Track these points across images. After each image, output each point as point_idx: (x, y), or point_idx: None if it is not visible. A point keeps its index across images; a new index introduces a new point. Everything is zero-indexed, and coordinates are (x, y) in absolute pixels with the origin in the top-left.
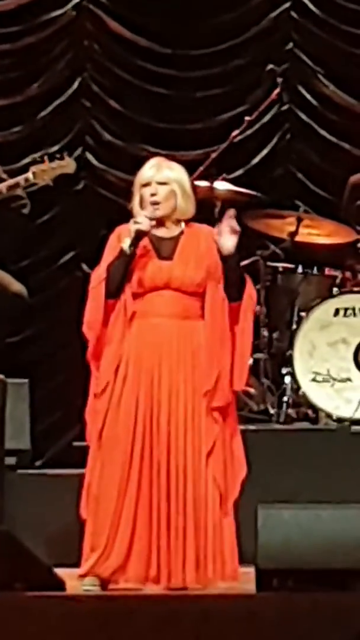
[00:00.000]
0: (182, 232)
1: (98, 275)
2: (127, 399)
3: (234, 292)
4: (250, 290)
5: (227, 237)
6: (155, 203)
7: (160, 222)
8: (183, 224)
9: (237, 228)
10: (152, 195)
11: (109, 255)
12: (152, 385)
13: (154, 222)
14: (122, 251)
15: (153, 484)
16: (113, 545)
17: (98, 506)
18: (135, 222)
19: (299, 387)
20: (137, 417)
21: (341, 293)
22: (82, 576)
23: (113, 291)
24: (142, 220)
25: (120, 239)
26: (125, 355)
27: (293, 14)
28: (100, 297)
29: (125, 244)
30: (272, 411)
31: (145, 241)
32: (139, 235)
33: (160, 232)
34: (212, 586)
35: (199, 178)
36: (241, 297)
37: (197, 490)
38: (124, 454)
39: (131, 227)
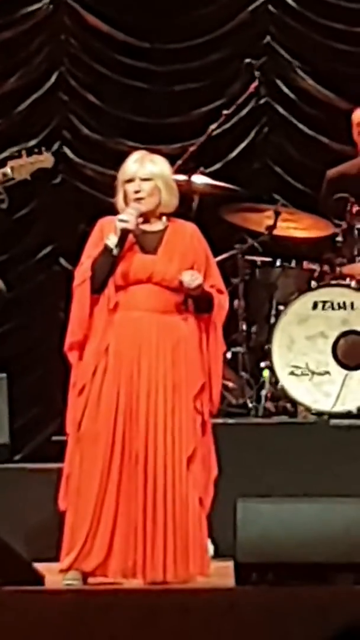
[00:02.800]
0: (166, 227)
1: (82, 273)
2: (107, 392)
3: (202, 308)
4: (218, 301)
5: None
6: (139, 199)
7: (143, 216)
8: (165, 219)
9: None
10: (136, 192)
11: (91, 250)
12: (131, 379)
13: (140, 220)
14: (106, 248)
15: (132, 479)
16: (94, 540)
17: (78, 500)
18: (121, 220)
19: (277, 381)
20: (118, 411)
21: (319, 286)
22: (64, 570)
23: (97, 288)
24: (128, 218)
25: (103, 233)
26: (106, 347)
27: (270, 7)
28: (86, 295)
29: (111, 241)
30: (250, 405)
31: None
32: (125, 233)
33: (144, 226)
34: (192, 581)
35: (177, 172)
36: (211, 309)
37: (177, 486)
38: (105, 448)
39: (117, 225)
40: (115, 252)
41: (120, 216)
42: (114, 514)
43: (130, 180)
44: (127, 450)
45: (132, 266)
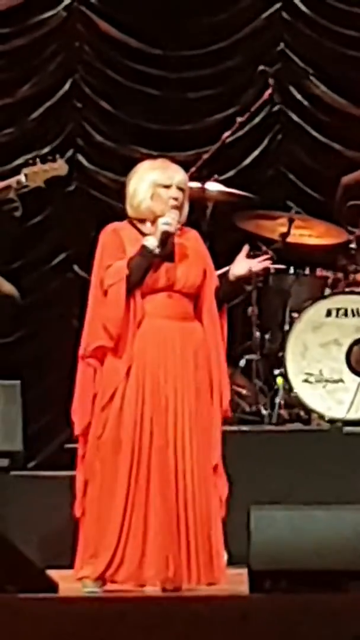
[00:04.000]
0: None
1: (116, 273)
2: (130, 401)
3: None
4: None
5: (252, 262)
6: (176, 207)
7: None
8: None
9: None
10: (175, 199)
11: (113, 254)
12: (158, 387)
13: (179, 225)
14: (145, 249)
15: (162, 487)
16: (125, 550)
17: (100, 508)
18: (165, 224)
19: (291, 388)
20: (144, 418)
21: (333, 294)
22: (85, 578)
23: (132, 288)
24: (171, 221)
25: (120, 236)
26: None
27: (284, 14)
28: (121, 295)
29: (150, 242)
30: (264, 412)
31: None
32: (166, 236)
33: None
34: (218, 585)
35: (191, 179)
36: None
37: (202, 492)
38: (129, 456)
39: (160, 227)
40: (157, 251)
41: (162, 219)
42: (144, 523)
43: (167, 186)
44: (155, 457)
45: (154, 274)
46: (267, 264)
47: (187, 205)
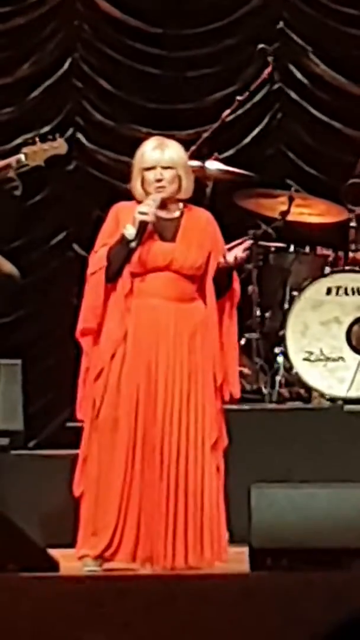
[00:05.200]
0: (182, 214)
1: (97, 261)
2: (127, 380)
3: (220, 291)
4: (235, 285)
5: (237, 250)
6: (161, 187)
7: (162, 202)
8: (182, 205)
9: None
10: (158, 180)
11: (106, 238)
12: (149, 367)
13: (158, 212)
14: (124, 238)
15: (152, 467)
16: (124, 530)
17: (98, 487)
18: (141, 213)
19: (291, 367)
20: (139, 398)
21: (333, 272)
22: (86, 557)
23: (112, 277)
24: (147, 210)
25: (119, 220)
26: (125, 334)
27: None
28: (100, 284)
29: (129, 232)
30: (265, 391)
31: None
32: (144, 225)
33: (161, 213)
34: (209, 567)
35: (191, 158)
36: (225, 294)
37: (193, 473)
38: (126, 436)
39: (136, 217)
40: (133, 244)
41: (139, 207)
42: (139, 503)
43: (150, 168)
44: (148, 438)
45: (151, 253)
46: (247, 246)
47: (187, 180)
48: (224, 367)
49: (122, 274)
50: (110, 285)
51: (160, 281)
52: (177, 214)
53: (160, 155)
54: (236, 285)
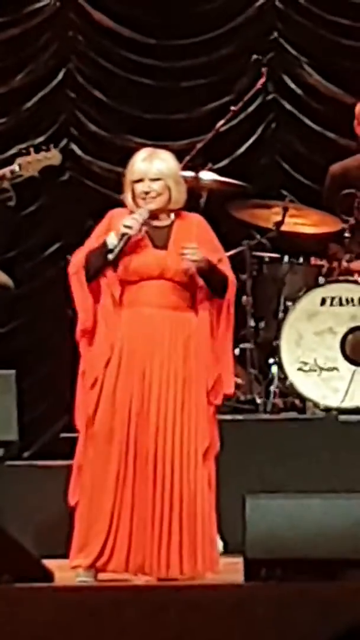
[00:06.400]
0: (173, 222)
1: (78, 261)
2: (121, 390)
3: (217, 288)
4: (232, 278)
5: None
6: (149, 200)
7: (153, 214)
8: (173, 214)
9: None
10: (146, 193)
11: (94, 240)
12: (143, 377)
13: (144, 227)
14: (104, 246)
15: (145, 477)
16: (115, 541)
17: (92, 496)
18: (125, 226)
19: (286, 377)
20: (132, 408)
21: (327, 282)
22: (79, 567)
23: (90, 279)
24: (132, 224)
25: (111, 225)
26: (117, 343)
27: (277, 3)
28: (82, 284)
29: (111, 239)
30: (259, 401)
31: None
32: (126, 239)
33: (153, 222)
34: (202, 577)
35: (185, 168)
36: (224, 295)
37: (187, 483)
38: (119, 446)
39: (121, 229)
40: (110, 256)
41: (124, 220)
42: (131, 513)
43: (139, 181)
44: (140, 448)
45: (144, 262)
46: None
47: (177, 191)
48: (218, 370)
49: (104, 275)
50: (96, 285)
51: (154, 290)
52: (168, 222)
53: (147, 167)
54: (232, 279)
